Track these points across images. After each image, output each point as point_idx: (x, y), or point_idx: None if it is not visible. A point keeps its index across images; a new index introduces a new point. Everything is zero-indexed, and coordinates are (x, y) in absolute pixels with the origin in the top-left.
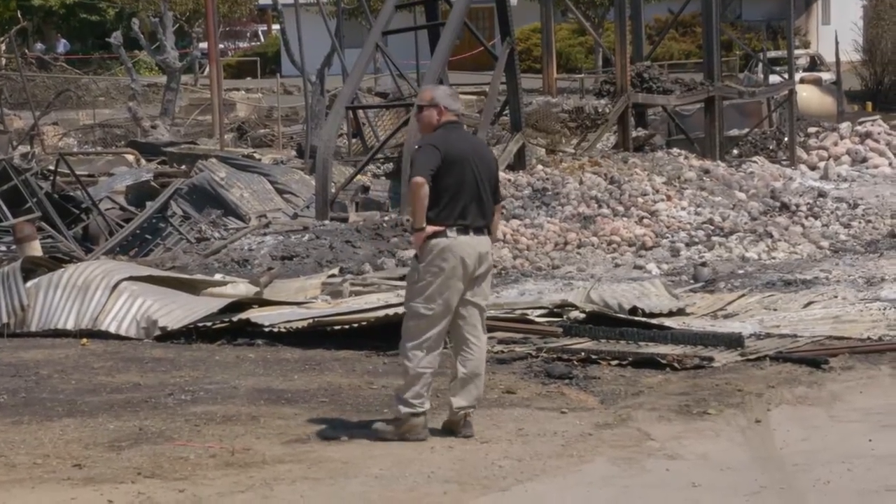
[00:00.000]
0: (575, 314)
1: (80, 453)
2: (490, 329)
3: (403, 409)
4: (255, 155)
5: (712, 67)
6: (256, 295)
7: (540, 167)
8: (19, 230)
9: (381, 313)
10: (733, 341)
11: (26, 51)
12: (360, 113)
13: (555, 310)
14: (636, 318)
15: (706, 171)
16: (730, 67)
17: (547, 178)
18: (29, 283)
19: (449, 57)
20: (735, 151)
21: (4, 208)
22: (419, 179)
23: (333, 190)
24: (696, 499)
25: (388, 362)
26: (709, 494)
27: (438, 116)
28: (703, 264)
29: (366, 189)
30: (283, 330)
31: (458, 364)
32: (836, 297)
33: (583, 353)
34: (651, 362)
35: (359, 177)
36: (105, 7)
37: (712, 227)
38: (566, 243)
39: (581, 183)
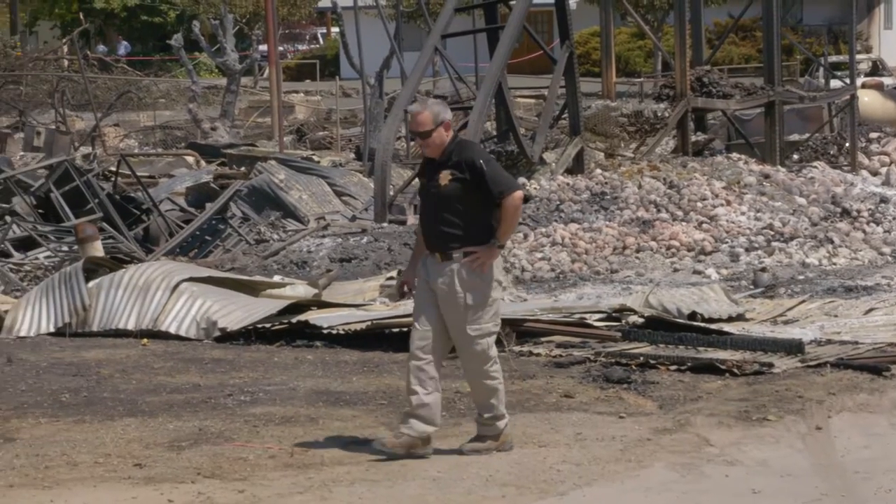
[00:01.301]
0: (633, 319)
1: (140, 453)
2: (548, 333)
3: (503, 423)
4: (313, 157)
5: (773, 72)
6: (315, 297)
7: (598, 171)
8: (81, 231)
9: None
10: (793, 347)
11: (88, 52)
12: None
13: (613, 314)
14: (695, 324)
15: (766, 176)
16: (790, 72)
17: (605, 182)
18: (90, 284)
19: (508, 60)
20: (795, 156)
21: (66, 209)
22: (521, 193)
23: (392, 192)
24: None
25: (447, 364)
26: (768, 501)
27: (447, 133)
28: (763, 270)
29: None
30: (341, 332)
31: (439, 374)
32: None
33: (641, 358)
34: (710, 368)
35: (417, 179)
36: (166, 9)
37: (772, 233)
38: (625, 247)
39: (640, 187)
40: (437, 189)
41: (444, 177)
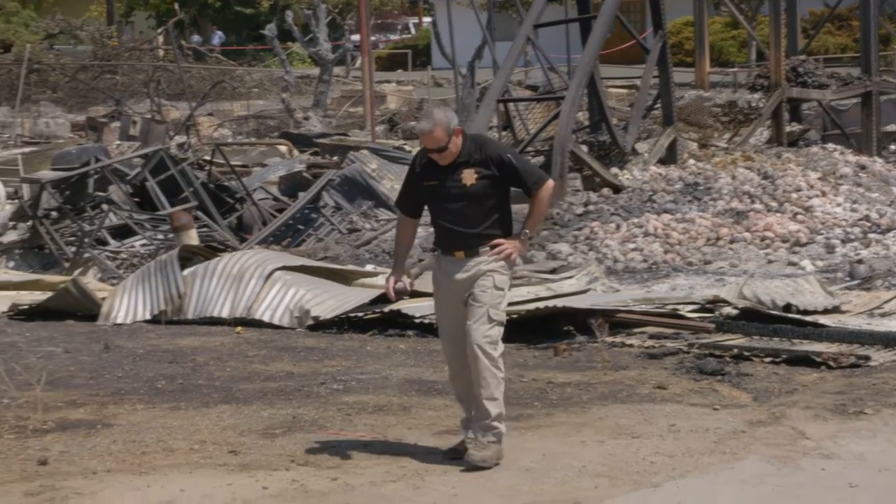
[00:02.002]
0: (727, 310)
1: (235, 440)
2: (641, 324)
3: (503, 426)
4: (405, 147)
5: (870, 61)
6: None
7: (692, 161)
8: (176, 219)
9: (531, 306)
10: (891, 340)
11: (183, 42)
12: (511, 106)
13: (707, 305)
14: (790, 316)
15: (862, 167)
16: (888, 62)
17: (699, 173)
18: (185, 272)
19: (600, 50)
20: (893, 147)
21: (162, 197)
22: (552, 182)
23: None
24: (853, 499)
25: (538, 355)
26: (865, 495)
27: (459, 138)
28: (860, 261)
29: None
30: (433, 321)
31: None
32: None
33: (735, 350)
34: (805, 360)
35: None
36: (260, 1)
37: (869, 224)
38: (718, 238)
39: (734, 178)
40: (461, 189)
41: (469, 176)
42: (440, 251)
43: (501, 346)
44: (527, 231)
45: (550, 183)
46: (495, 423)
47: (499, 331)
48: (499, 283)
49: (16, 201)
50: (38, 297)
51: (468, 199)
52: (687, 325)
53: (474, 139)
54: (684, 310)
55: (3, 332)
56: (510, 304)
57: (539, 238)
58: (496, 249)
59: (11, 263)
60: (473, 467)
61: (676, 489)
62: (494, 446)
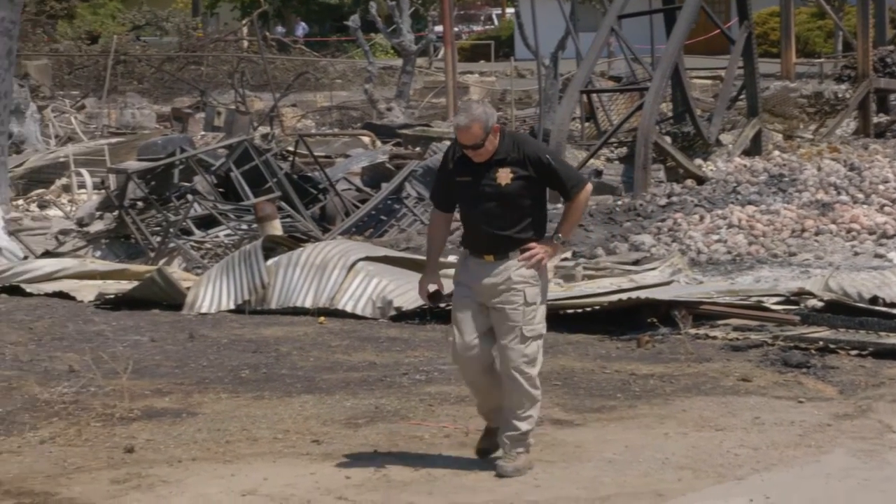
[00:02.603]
0: (812, 302)
1: (318, 429)
2: (725, 316)
3: (531, 439)
4: None
5: None
6: None
7: (777, 153)
8: (260, 209)
9: (614, 297)
10: None
11: (267, 34)
12: (594, 97)
13: (792, 298)
14: (877, 308)
15: None
16: None
17: (784, 164)
18: (269, 262)
19: (685, 41)
20: None
21: (246, 188)
22: (591, 185)
23: None
24: None
25: (621, 347)
26: None
27: (495, 136)
28: None
29: (599, 173)
30: None
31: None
32: None
33: (821, 343)
34: (893, 353)
35: (592, 161)
36: None
37: None
38: (803, 230)
39: (819, 169)
40: (495, 188)
41: (505, 175)
42: (468, 251)
43: (540, 361)
44: (560, 235)
45: (589, 187)
46: (526, 438)
47: (537, 346)
48: (530, 298)
49: (102, 191)
50: (125, 286)
51: (502, 200)
52: (771, 317)
53: (513, 137)
54: (769, 302)
55: (91, 321)
56: (593, 295)
57: (622, 229)
58: (526, 255)
59: (98, 253)
60: (505, 474)
61: (761, 482)
62: (524, 456)
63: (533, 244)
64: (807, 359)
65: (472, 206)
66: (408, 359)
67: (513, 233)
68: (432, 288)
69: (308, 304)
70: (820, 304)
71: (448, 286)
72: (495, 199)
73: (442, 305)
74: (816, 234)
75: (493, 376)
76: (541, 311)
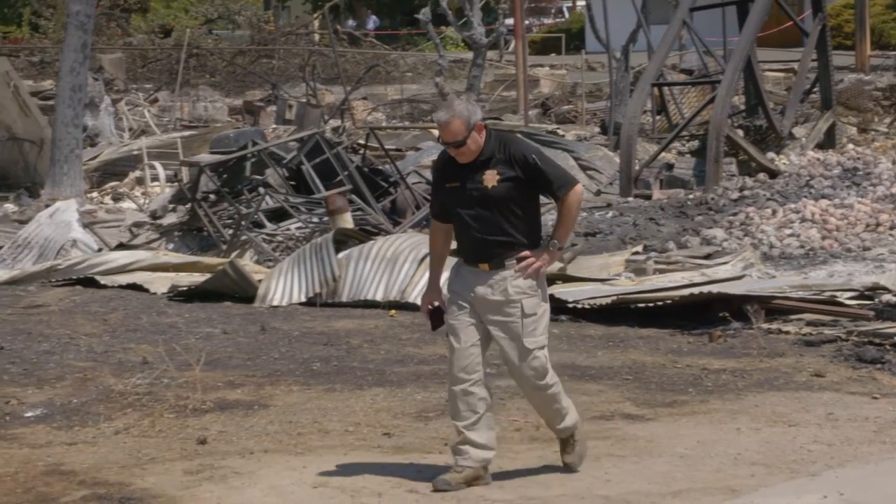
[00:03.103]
0: (887, 297)
1: (389, 422)
2: (798, 311)
3: (571, 416)
4: (558, 131)
5: None
6: (560, 271)
7: (851, 146)
8: (331, 202)
9: (685, 292)
10: None
11: (338, 27)
12: (665, 90)
13: (866, 292)
14: None
15: None
16: None
17: (858, 158)
18: (340, 255)
19: (757, 33)
20: None
21: (317, 181)
22: (581, 186)
23: (637, 167)
24: None
25: (692, 341)
26: None
27: (480, 134)
28: None
29: (670, 166)
30: (586, 306)
31: (489, 392)
32: None
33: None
34: None
35: (663, 154)
36: None
37: None
38: (878, 224)
39: (894, 163)
40: (482, 192)
41: (491, 177)
42: (462, 259)
43: (548, 366)
44: (556, 241)
45: (579, 188)
46: (565, 425)
47: (542, 356)
48: (528, 309)
49: (175, 184)
50: (197, 278)
51: (490, 203)
52: (845, 312)
53: (499, 137)
54: (843, 297)
55: (164, 314)
56: (665, 289)
57: (693, 223)
58: (523, 264)
59: (171, 245)
60: (576, 469)
61: (835, 478)
62: (579, 443)
63: (528, 252)
64: (881, 354)
65: (462, 211)
66: None
67: (504, 238)
68: (435, 304)
69: (379, 297)
70: (894, 299)
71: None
72: (483, 203)
73: (444, 325)
74: (891, 228)
75: (485, 388)
76: (542, 322)
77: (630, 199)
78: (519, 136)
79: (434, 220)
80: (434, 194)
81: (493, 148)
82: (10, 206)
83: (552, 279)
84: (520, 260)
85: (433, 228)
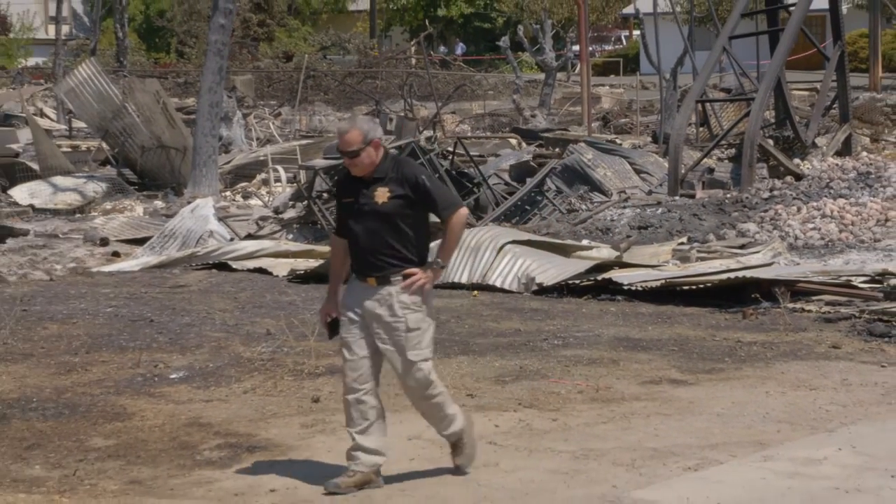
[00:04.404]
0: (894, 281)
1: (472, 385)
2: (818, 293)
3: (458, 423)
4: (616, 140)
5: None
6: (617, 258)
7: (864, 154)
8: None
9: (723, 276)
10: None
11: (431, 53)
12: (708, 106)
13: (876, 277)
14: None
15: None
16: None
17: (870, 164)
18: (432, 244)
19: (786, 58)
20: None
21: None
22: (466, 210)
23: (683, 171)
24: None
25: (729, 318)
26: None
27: (376, 151)
28: None
29: (711, 170)
30: (639, 288)
31: (380, 401)
32: None
33: None
34: None
35: (705, 160)
36: (495, 16)
37: None
38: (887, 220)
39: None
40: (372, 207)
41: (382, 195)
42: (354, 274)
43: (434, 379)
44: (439, 260)
45: (464, 211)
46: (451, 431)
47: (426, 368)
48: (412, 324)
49: (294, 185)
50: (312, 263)
51: (380, 220)
52: (859, 293)
53: (394, 158)
54: (856, 281)
55: (284, 293)
56: (706, 274)
57: (730, 219)
58: (408, 281)
59: (290, 236)
60: (467, 472)
61: (848, 434)
62: (468, 446)
63: (413, 269)
64: (889, 329)
65: (354, 226)
66: (547, 327)
67: (391, 254)
68: (332, 315)
69: (464, 280)
70: None
71: None
72: (373, 219)
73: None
74: None
75: (376, 397)
76: (427, 336)
77: (677, 198)
78: (411, 160)
79: (334, 235)
80: (336, 211)
81: (387, 167)
82: (158, 203)
83: (611, 265)
84: (406, 276)
85: (333, 243)
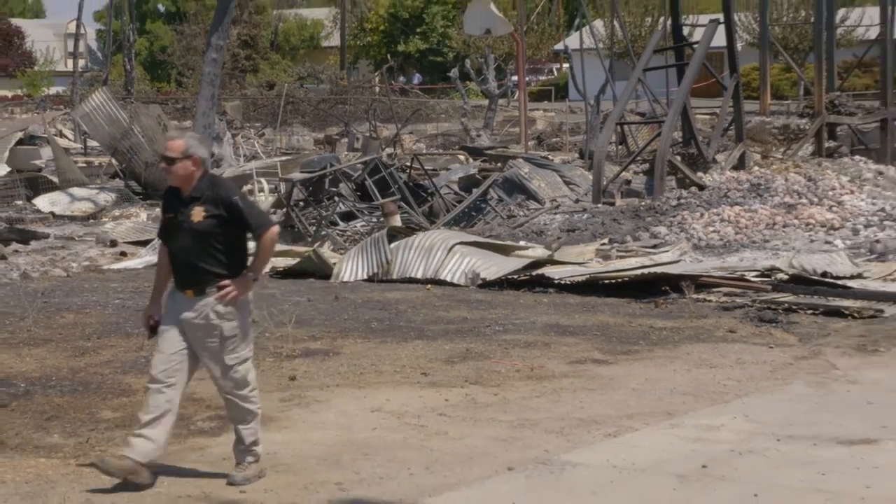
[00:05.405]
0: (780, 276)
1: (425, 365)
2: (718, 285)
3: (260, 448)
4: (549, 156)
5: (886, 96)
6: (549, 257)
7: (756, 168)
8: (386, 207)
9: (638, 272)
10: None
11: (392, 82)
12: (626, 127)
13: (766, 272)
14: (826, 280)
15: (880, 173)
16: None
17: (761, 176)
18: (392, 245)
19: (691, 87)
20: None
21: (376, 192)
22: (277, 228)
23: (605, 182)
24: (870, 411)
25: (643, 307)
26: (880, 409)
27: (195, 167)
28: (877, 241)
29: (628, 182)
30: (567, 282)
31: (177, 403)
32: None
33: (786, 305)
34: (837, 312)
35: (623, 173)
36: (447, 51)
37: (884, 214)
38: (774, 224)
39: (786, 180)
40: (189, 225)
41: (198, 213)
42: (174, 285)
43: (251, 380)
44: (251, 273)
45: (275, 230)
46: (253, 448)
47: (243, 370)
48: (227, 332)
49: (275, 194)
50: (290, 262)
51: (196, 236)
52: (751, 286)
53: (211, 179)
54: (749, 275)
55: (265, 287)
56: (624, 270)
57: (644, 223)
58: (222, 293)
59: None
60: (238, 484)
61: (742, 404)
62: (254, 465)
63: (227, 282)
64: (776, 316)
65: (173, 241)
66: (490, 315)
67: (206, 268)
68: (155, 318)
69: (419, 275)
70: (786, 276)
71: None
72: (190, 235)
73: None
74: (784, 226)
75: (177, 396)
76: (242, 342)
77: (599, 205)
78: (226, 180)
79: (162, 244)
80: (160, 224)
81: (204, 187)
82: (159, 211)
83: (544, 262)
84: (220, 288)
85: (160, 250)
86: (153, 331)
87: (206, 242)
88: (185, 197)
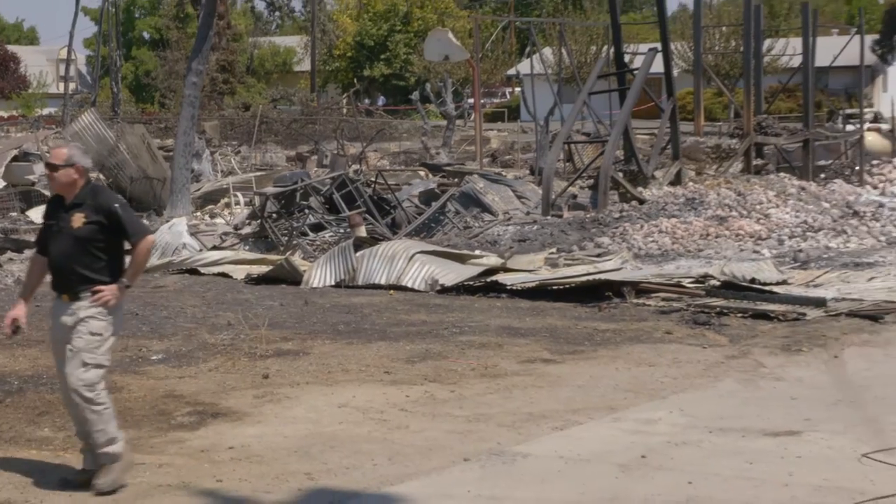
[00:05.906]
0: (713, 282)
1: (388, 364)
2: (656, 290)
3: (118, 446)
4: (502, 173)
5: (808, 119)
6: (502, 265)
7: (691, 184)
8: (352, 219)
9: (584, 278)
10: (819, 302)
11: (358, 104)
12: (573, 146)
13: (699, 279)
14: (754, 286)
15: (803, 188)
16: (820, 119)
17: (695, 191)
18: (358, 254)
19: (632, 109)
20: (822, 175)
21: (343, 205)
22: (153, 237)
23: (553, 196)
24: (795, 406)
25: (588, 311)
26: (803, 404)
27: (77, 175)
28: (800, 251)
29: (575, 196)
30: (518, 288)
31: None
32: (889, 274)
33: (718, 308)
34: (764, 315)
35: (570, 188)
36: (409, 76)
37: (806, 226)
38: (707, 234)
39: (718, 195)
40: (69, 231)
41: (78, 219)
42: (54, 291)
43: (100, 387)
44: (125, 280)
45: (150, 238)
46: (107, 450)
47: (96, 373)
48: (94, 329)
49: (250, 207)
50: (263, 269)
51: (74, 242)
52: (686, 291)
53: (93, 188)
54: (685, 281)
55: (241, 293)
56: (571, 276)
57: (590, 234)
58: (96, 297)
59: (246, 247)
60: (106, 492)
61: (678, 400)
62: (117, 466)
63: (102, 287)
64: (709, 319)
65: (52, 246)
66: (448, 318)
67: (84, 274)
68: (17, 320)
69: (382, 281)
70: (718, 283)
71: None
72: (69, 241)
73: (20, 333)
74: (716, 237)
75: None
76: (106, 345)
77: (548, 217)
78: (108, 189)
79: (35, 252)
80: (40, 231)
81: (85, 195)
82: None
83: (497, 270)
84: (94, 293)
85: (31, 259)
86: (14, 332)
87: (84, 249)
88: (67, 204)
